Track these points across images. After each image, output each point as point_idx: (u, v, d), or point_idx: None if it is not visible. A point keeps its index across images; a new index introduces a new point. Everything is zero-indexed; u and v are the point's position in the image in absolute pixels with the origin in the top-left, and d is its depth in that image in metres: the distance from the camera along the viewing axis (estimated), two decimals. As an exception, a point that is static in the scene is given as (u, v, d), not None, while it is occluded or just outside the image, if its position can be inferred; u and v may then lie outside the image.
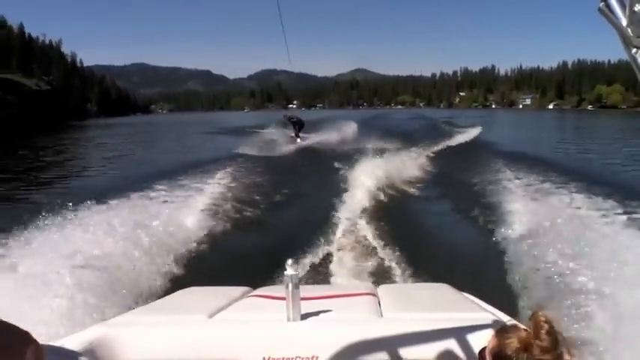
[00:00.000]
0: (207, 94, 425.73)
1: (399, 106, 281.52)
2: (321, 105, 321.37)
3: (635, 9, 1.39)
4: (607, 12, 1.44)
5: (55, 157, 34.19)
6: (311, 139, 32.25)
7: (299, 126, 32.64)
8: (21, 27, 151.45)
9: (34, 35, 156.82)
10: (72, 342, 2.67)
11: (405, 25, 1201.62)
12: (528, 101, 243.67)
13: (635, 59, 1.42)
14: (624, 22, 1.42)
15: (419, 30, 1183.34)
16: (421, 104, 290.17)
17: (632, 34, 1.41)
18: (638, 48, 1.42)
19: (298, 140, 31.08)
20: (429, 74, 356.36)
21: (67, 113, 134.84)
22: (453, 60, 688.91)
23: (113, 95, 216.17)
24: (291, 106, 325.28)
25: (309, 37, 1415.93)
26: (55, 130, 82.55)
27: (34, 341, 1.29)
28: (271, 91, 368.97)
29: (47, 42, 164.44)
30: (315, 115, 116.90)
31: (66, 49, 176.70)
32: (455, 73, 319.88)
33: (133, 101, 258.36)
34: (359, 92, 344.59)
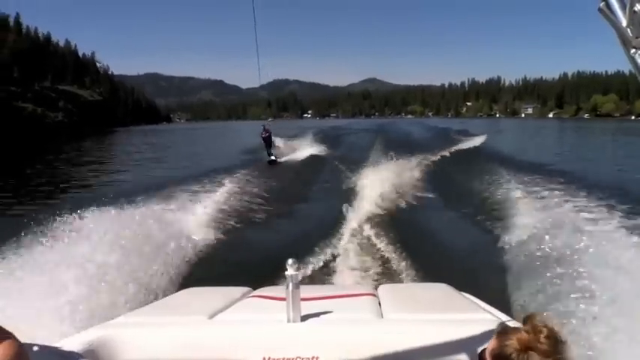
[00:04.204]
0: (223, 104, 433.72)
1: (409, 116, 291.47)
2: (334, 115, 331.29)
3: (636, 9, 1.40)
4: (607, 12, 1.44)
5: (100, 159, 38.80)
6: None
7: (269, 143, 29.17)
8: (67, 42, 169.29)
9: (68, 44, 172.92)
10: (72, 343, 2.68)
11: (417, 36, 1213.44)
12: (530, 110, 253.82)
13: (634, 59, 1.43)
14: (624, 23, 1.43)
15: (430, 41, 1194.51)
16: (430, 114, 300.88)
17: (631, 35, 1.42)
18: (637, 49, 1.43)
19: (272, 158, 28.16)
20: (438, 84, 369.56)
21: (114, 121, 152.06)
22: (461, 71, 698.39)
23: (143, 105, 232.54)
24: (305, 115, 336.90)
25: (320, 46, 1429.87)
26: (107, 133, 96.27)
27: (14, 340, 1.31)
28: (286, 101, 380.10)
29: (81, 54, 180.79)
30: (330, 123, 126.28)
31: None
32: (462, 83, 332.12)
33: (157, 111, 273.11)
34: (371, 102, 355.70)
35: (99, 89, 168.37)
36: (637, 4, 1.39)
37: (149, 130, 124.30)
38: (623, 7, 1.42)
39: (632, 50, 1.43)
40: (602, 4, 1.44)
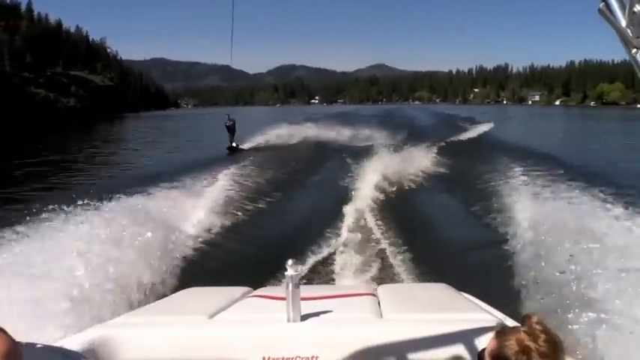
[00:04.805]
0: (230, 89, 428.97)
1: (417, 102, 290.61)
2: (342, 100, 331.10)
3: (635, 10, 1.40)
4: (607, 13, 1.45)
5: (110, 145, 40.05)
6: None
7: (232, 132, 30.60)
8: (78, 28, 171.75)
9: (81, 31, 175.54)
10: (72, 342, 2.69)
11: (425, 22, 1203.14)
12: (537, 97, 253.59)
13: (635, 59, 1.43)
14: (624, 23, 1.43)
15: (438, 27, 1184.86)
16: (437, 100, 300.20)
17: (631, 35, 1.43)
18: (638, 49, 1.43)
19: (234, 145, 29.71)
20: (446, 70, 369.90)
21: (124, 106, 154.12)
22: (469, 57, 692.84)
23: (152, 90, 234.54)
24: (313, 101, 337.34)
25: (327, 31, 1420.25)
26: (118, 119, 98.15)
27: (5, 336, 1.29)
28: (294, 87, 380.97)
29: (92, 40, 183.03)
30: (337, 109, 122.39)
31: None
32: (470, 70, 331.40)
33: (166, 96, 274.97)
34: (378, 88, 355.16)
35: (109, 74, 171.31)
36: (636, 5, 1.40)
37: (158, 115, 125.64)
38: (622, 7, 1.43)
39: (634, 50, 1.43)
40: (601, 5, 1.45)
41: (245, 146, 30.02)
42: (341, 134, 34.04)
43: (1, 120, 70.25)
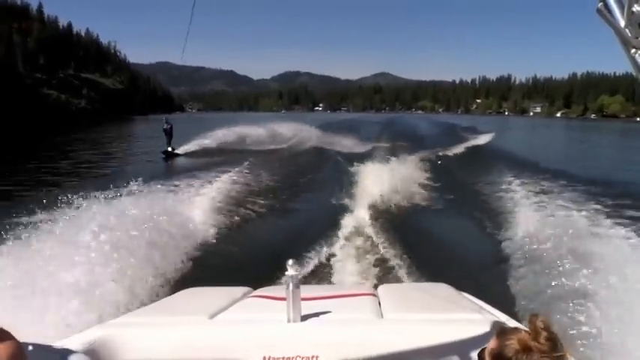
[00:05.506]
0: (235, 95, 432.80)
1: (420, 111, 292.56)
2: (345, 108, 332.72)
3: (634, 9, 1.40)
4: (605, 13, 1.44)
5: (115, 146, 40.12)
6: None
7: (170, 136, 30.27)
8: (88, 31, 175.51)
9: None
10: (72, 343, 2.67)
11: (429, 32, 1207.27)
12: (538, 109, 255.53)
13: (633, 60, 1.44)
14: (622, 23, 1.43)
15: (443, 37, 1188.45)
16: (440, 110, 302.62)
17: (630, 35, 1.43)
18: (637, 49, 1.43)
19: (169, 149, 29.57)
20: (449, 80, 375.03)
21: (133, 109, 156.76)
22: (472, 67, 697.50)
23: (159, 94, 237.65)
24: (317, 108, 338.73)
25: (332, 39, 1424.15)
26: (127, 120, 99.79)
27: (13, 341, 1.30)
28: (298, 93, 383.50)
29: (102, 43, 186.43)
30: (341, 116, 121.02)
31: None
32: (473, 80, 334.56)
33: (172, 100, 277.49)
34: (382, 97, 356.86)
35: (119, 78, 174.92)
36: (635, 5, 1.39)
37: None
38: (621, 7, 1.43)
39: (632, 50, 1.43)
40: (600, 5, 1.44)
41: (180, 150, 30.06)
42: (341, 141, 34.13)
43: (14, 120, 72.32)
